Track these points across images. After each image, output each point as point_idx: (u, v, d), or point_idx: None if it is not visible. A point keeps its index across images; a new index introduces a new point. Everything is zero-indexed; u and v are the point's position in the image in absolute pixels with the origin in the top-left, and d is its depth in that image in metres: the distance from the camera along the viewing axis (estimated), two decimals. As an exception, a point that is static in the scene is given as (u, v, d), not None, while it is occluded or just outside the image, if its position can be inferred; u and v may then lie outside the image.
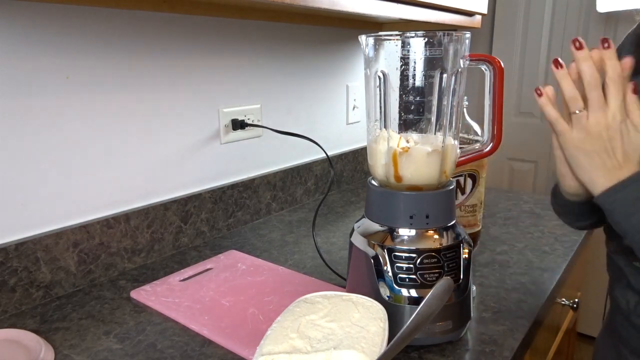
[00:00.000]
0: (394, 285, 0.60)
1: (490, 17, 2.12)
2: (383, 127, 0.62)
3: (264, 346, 0.51)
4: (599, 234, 1.17)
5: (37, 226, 0.75)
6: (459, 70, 0.60)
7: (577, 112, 0.54)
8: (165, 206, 0.91)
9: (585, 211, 0.67)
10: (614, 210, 0.53)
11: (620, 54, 0.66)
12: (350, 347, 0.49)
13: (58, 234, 0.75)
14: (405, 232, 0.61)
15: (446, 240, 0.61)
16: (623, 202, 0.52)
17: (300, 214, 1.15)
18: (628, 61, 0.53)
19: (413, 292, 0.59)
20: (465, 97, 0.77)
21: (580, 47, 0.55)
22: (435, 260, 0.60)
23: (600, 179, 0.54)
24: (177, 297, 0.74)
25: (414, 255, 0.59)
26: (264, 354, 0.50)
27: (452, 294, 0.59)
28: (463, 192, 0.84)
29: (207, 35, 0.95)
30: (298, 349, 0.50)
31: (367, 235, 0.63)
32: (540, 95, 0.57)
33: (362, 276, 0.63)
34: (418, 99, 0.60)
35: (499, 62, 0.62)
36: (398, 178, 0.61)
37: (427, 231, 0.61)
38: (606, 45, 0.54)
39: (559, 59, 0.56)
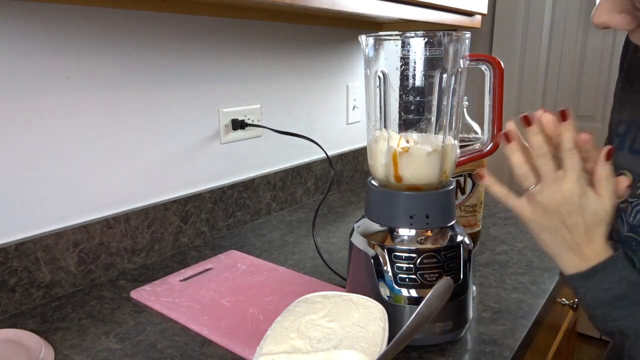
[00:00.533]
0: (394, 285, 0.60)
1: (490, 17, 2.12)
2: (383, 127, 0.62)
3: (264, 346, 0.51)
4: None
5: (37, 226, 0.75)
6: (459, 70, 0.60)
7: (531, 188, 0.51)
8: (165, 206, 0.91)
9: None
10: (583, 296, 0.52)
11: (627, 50, 0.65)
12: (350, 347, 0.49)
13: (58, 234, 0.75)
14: (405, 232, 0.61)
15: (446, 240, 0.61)
16: (593, 291, 0.51)
17: (300, 214, 1.15)
18: (586, 137, 0.50)
19: (413, 292, 0.59)
20: (465, 97, 0.77)
21: (529, 124, 0.51)
22: (435, 260, 0.60)
23: (564, 257, 0.52)
24: (177, 297, 0.74)
25: (414, 255, 0.59)
26: (264, 354, 0.50)
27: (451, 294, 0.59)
28: (463, 192, 0.84)
29: (207, 35, 0.95)
30: (298, 349, 0.50)
31: (367, 235, 0.63)
32: (509, 141, 0.53)
33: (362, 276, 0.63)
34: (418, 99, 0.60)
35: (499, 62, 0.62)
36: (398, 178, 0.61)
37: (427, 231, 0.61)
38: (563, 117, 0.50)
39: (509, 127, 0.53)
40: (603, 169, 0.50)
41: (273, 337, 0.52)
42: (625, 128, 0.60)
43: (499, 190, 0.53)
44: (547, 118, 0.50)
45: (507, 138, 0.52)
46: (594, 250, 0.51)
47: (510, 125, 0.53)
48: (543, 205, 0.51)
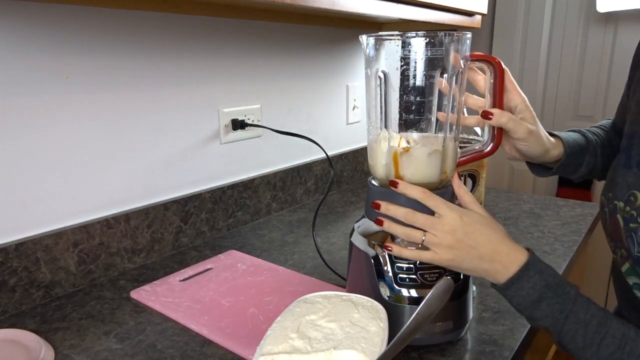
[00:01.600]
0: (394, 285, 0.60)
1: (490, 17, 2.12)
2: (383, 127, 0.62)
3: (264, 346, 0.51)
4: (599, 234, 1.17)
5: (37, 226, 0.75)
6: (460, 70, 0.59)
7: (423, 240, 0.56)
8: (165, 206, 0.90)
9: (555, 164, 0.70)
10: (510, 302, 0.56)
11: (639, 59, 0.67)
12: (350, 347, 0.49)
13: (58, 234, 0.75)
14: (405, 232, 0.61)
15: (446, 241, 0.61)
16: (515, 298, 0.55)
17: (300, 214, 1.15)
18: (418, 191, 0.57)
19: (413, 292, 0.59)
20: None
21: (377, 207, 0.59)
22: (436, 260, 0.59)
23: (491, 272, 0.55)
24: (177, 297, 0.74)
25: (414, 255, 0.59)
26: (264, 354, 0.50)
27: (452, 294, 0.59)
28: (463, 192, 0.84)
29: (207, 35, 0.95)
30: (298, 349, 0.50)
31: (367, 235, 0.63)
32: (390, 251, 0.59)
33: (362, 276, 0.63)
34: (418, 99, 0.60)
35: (499, 62, 0.62)
36: (398, 178, 0.61)
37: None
38: (394, 185, 0.58)
39: (375, 207, 0.59)
40: (460, 189, 0.60)
41: (273, 337, 0.52)
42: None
43: (409, 253, 0.57)
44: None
45: (378, 222, 0.59)
46: (510, 258, 0.55)
47: (375, 205, 0.59)
48: (444, 245, 0.55)
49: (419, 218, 0.56)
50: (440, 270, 0.60)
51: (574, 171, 0.72)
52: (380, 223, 0.59)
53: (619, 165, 0.63)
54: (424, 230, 0.56)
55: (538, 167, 0.73)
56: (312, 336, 0.52)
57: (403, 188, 0.57)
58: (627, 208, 0.60)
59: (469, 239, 0.55)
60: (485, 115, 0.61)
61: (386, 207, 0.58)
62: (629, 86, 0.70)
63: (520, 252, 0.55)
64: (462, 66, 0.59)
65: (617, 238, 0.62)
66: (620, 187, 0.62)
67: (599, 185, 1.97)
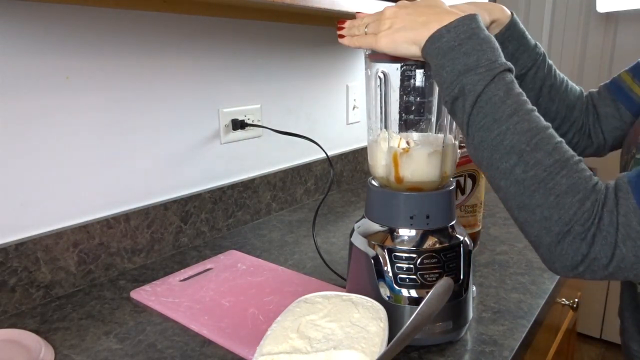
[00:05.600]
0: (394, 285, 0.60)
1: (490, 17, 2.12)
2: (383, 128, 0.62)
3: (263, 346, 0.51)
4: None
5: (37, 226, 0.75)
6: (459, 70, 0.59)
7: (366, 31, 0.56)
8: (165, 206, 0.91)
9: None
10: (430, 62, 0.52)
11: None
12: (350, 347, 0.49)
13: (58, 234, 0.75)
14: (405, 233, 0.61)
15: (446, 241, 0.61)
16: (437, 54, 0.50)
17: (300, 214, 1.15)
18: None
19: (413, 292, 0.59)
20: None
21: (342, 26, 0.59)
22: (435, 260, 0.60)
23: (423, 30, 0.52)
24: (177, 297, 0.74)
25: (414, 255, 0.59)
26: (263, 354, 0.50)
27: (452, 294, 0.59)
28: (463, 192, 0.85)
29: (207, 35, 0.95)
30: (298, 349, 0.50)
31: (367, 236, 0.63)
32: (342, 37, 0.59)
33: (362, 276, 0.63)
34: (418, 99, 0.60)
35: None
36: (398, 178, 0.61)
37: (427, 231, 0.61)
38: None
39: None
40: None
41: (273, 337, 0.52)
42: None
43: (356, 41, 0.57)
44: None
45: (340, 37, 0.59)
46: (450, 16, 0.51)
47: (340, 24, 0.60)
48: (385, 24, 0.53)
49: (366, 18, 0.56)
50: (440, 271, 0.60)
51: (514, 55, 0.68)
52: (341, 36, 0.59)
53: None
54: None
55: None
56: (312, 336, 0.52)
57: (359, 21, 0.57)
58: None
59: (409, 11, 0.53)
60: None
61: (350, 22, 0.58)
62: None
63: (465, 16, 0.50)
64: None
65: (633, 141, 0.61)
66: None
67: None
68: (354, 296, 0.60)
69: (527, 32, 0.67)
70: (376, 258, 0.61)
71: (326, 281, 0.80)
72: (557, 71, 0.72)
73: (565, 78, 0.74)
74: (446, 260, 0.60)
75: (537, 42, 0.70)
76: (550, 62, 0.71)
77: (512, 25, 0.65)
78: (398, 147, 0.60)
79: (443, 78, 0.50)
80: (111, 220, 0.82)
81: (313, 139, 0.98)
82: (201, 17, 0.93)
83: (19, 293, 0.72)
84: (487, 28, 0.63)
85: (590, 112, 0.75)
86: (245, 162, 1.08)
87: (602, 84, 0.76)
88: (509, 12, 0.66)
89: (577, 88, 0.76)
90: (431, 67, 0.52)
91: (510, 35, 0.65)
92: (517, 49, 0.66)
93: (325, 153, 0.97)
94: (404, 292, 0.59)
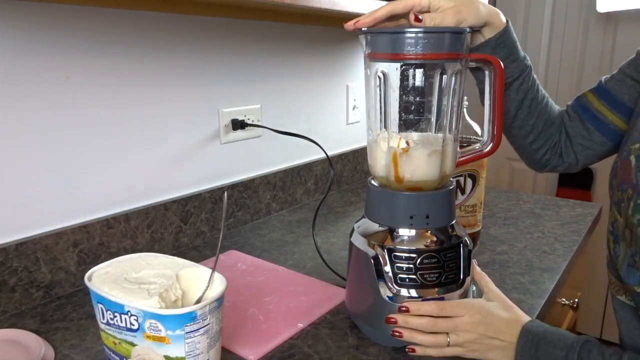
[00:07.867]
0: (394, 285, 0.60)
1: (490, 17, 2.12)
2: (383, 127, 0.62)
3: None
4: (599, 234, 1.17)
5: (37, 226, 0.75)
6: (459, 70, 0.60)
7: (448, 343, 0.57)
8: (165, 206, 0.91)
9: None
10: None
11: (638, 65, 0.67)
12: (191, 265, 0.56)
13: (58, 234, 0.75)
14: (405, 232, 0.61)
15: (446, 241, 0.61)
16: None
17: (300, 214, 1.15)
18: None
19: (413, 292, 0.59)
20: (465, 97, 0.77)
21: (395, 322, 0.59)
22: (435, 260, 0.60)
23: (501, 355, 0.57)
24: (177, 297, 0.74)
25: (414, 255, 0.59)
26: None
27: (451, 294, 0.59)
28: (463, 192, 0.85)
29: (207, 35, 0.95)
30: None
31: (367, 236, 0.63)
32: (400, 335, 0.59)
33: (362, 276, 0.63)
34: (418, 99, 0.60)
35: (499, 62, 0.62)
36: (398, 178, 0.61)
37: (427, 231, 0.61)
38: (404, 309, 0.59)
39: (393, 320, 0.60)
40: (476, 272, 0.63)
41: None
42: None
43: (433, 352, 0.58)
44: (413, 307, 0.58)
45: (398, 335, 0.59)
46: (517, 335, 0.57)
47: (391, 321, 0.60)
48: (469, 341, 0.57)
49: (441, 324, 0.57)
50: (440, 271, 0.60)
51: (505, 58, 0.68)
52: (400, 335, 0.59)
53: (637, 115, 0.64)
54: (447, 333, 0.57)
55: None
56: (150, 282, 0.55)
57: (415, 309, 0.58)
58: None
59: (489, 331, 0.57)
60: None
61: (404, 320, 0.58)
62: None
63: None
64: (462, 66, 0.60)
65: (626, 178, 0.61)
66: (638, 131, 0.62)
67: (599, 186, 1.97)
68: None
69: (518, 43, 0.68)
70: (376, 258, 0.61)
71: (326, 281, 0.80)
72: (540, 87, 0.73)
73: (547, 95, 0.75)
74: (446, 260, 0.60)
75: (526, 55, 0.70)
76: (535, 76, 0.72)
77: (505, 32, 0.65)
78: (398, 147, 0.60)
79: None
80: (111, 220, 0.82)
81: (313, 139, 0.98)
82: (201, 17, 0.93)
83: (19, 293, 0.72)
84: (481, 28, 0.63)
85: (562, 131, 0.76)
86: (245, 162, 1.08)
87: (569, 103, 0.76)
88: (505, 20, 0.66)
89: (557, 107, 0.77)
90: None
91: (503, 42, 0.65)
92: (507, 57, 0.66)
93: (325, 153, 0.97)
94: (404, 292, 0.59)
